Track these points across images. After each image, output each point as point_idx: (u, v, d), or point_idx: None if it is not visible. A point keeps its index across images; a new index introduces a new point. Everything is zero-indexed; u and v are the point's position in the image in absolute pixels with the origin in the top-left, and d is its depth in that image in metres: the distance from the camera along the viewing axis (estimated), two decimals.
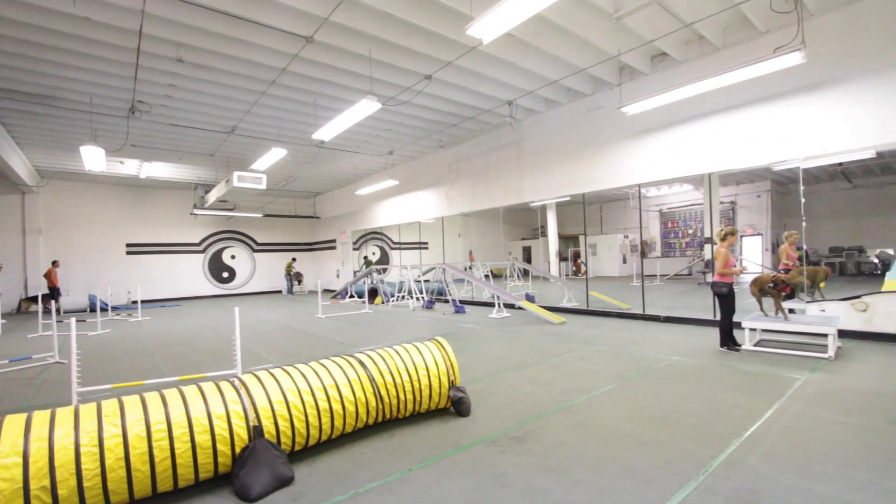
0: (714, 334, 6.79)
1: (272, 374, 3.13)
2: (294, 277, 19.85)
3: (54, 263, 14.43)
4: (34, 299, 13.82)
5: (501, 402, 4.10)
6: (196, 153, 12.49)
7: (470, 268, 15.08)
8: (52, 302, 11.67)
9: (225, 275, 19.38)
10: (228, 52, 6.76)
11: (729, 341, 5.71)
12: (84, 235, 16.01)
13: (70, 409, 2.49)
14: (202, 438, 2.60)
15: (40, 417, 2.38)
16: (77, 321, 4.24)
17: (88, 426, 2.39)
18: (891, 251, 14.23)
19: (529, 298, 11.04)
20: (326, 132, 8.47)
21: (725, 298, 5.67)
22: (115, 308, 13.99)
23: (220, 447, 2.65)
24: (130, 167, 13.81)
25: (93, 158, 9.19)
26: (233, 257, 19.59)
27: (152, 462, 2.45)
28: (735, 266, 5.70)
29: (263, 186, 11.64)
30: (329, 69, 7.59)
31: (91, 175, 14.23)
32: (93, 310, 13.05)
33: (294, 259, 20.31)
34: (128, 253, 16.98)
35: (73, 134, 10.24)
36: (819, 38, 6.22)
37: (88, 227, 16.13)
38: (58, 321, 6.97)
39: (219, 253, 19.22)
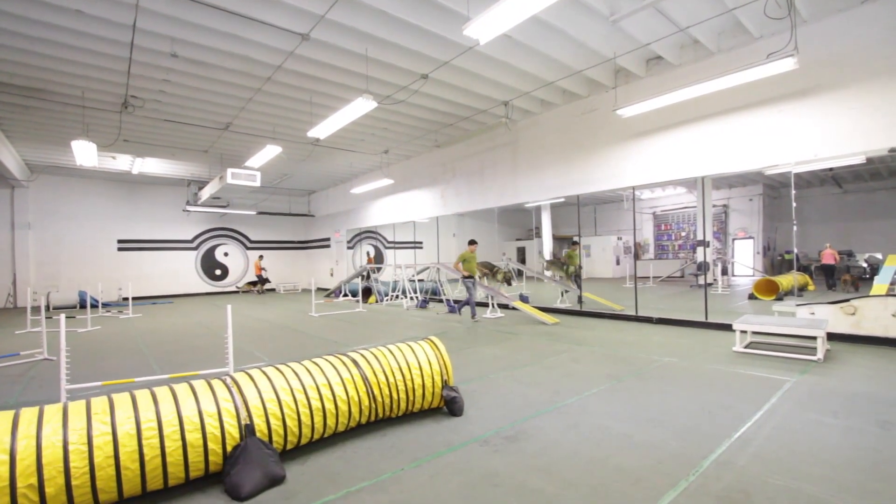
0: (705, 336, 6.88)
1: (265, 373, 3.12)
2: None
3: (260, 257, 18.89)
4: (253, 283, 18.99)
5: (494, 401, 4.10)
6: (190, 149, 12.40)
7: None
8: (260, 286, 18.47)
9: (218, 272, 19.24)
10: (224, 48, 6.72)
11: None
12: (75, 231, 15.83)
13: (58, 407, 2.46)
14: (193, 437, 2.58)
15: (28, 415, 2.35)
16: (66, 318, 4.19)
17: (77, 424, 2.36)
18: (879, 256, 14.40)
19: (523, 299, 11.06)
20: (322, 130, 8.43)
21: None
22: (105, 305, 13.85)
23: (211, 446, 2.63)
24: (123, 162, 13.65)
25: (84, 153, 9.08)
26: (226, 255, 19.47)
27: (142, 460, 2.42)
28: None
29: (258, 184, 11.57)
30: (325, 67, 7.56)
31: (82, 170, 14.08)
32: (83, 306, 12.88)
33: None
34: (119, 249, 16.82)
35: (65, 128, 10.12)
36: (812, 44, 6.29)
37: (79, 222, 15.94)
38: (47, 317, 6.89)
39: (212, 250, 19.08)
